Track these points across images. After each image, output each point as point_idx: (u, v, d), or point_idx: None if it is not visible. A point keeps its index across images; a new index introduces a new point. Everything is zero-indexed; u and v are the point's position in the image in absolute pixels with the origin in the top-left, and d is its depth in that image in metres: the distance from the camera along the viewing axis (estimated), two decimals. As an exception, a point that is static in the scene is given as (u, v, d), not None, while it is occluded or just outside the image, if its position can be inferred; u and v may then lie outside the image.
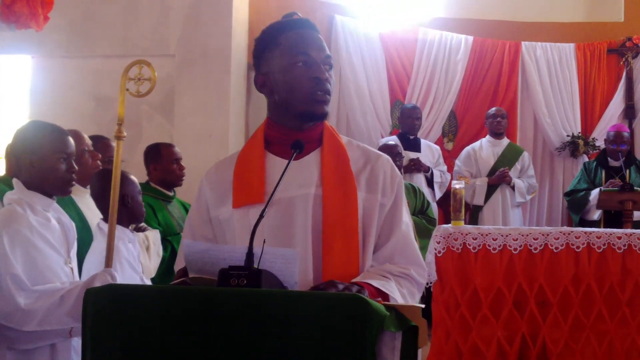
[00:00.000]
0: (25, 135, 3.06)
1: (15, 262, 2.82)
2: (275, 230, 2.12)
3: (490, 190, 7.41)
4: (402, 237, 2.23)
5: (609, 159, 7.10)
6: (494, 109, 7.71)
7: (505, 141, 7.63)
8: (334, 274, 2.07)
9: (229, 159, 2.31)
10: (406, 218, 2.26)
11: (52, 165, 3.01)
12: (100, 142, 4.67)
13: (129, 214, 3.70)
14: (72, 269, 3.08)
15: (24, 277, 2.83)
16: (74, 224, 3.20)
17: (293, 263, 1.89)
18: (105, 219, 3.60)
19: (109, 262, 3.19)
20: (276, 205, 2.12)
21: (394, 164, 2.31)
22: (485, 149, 7.59)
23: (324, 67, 2.20)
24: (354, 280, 2.09)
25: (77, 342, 3.04)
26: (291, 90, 2.18)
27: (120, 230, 3.36)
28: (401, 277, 2.19)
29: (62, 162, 3.02)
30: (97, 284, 2.86)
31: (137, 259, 3.71)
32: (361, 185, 2.21)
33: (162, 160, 5.04)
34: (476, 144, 7.67)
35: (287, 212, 2.15)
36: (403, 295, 2.16)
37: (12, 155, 3.14)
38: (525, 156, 7.64)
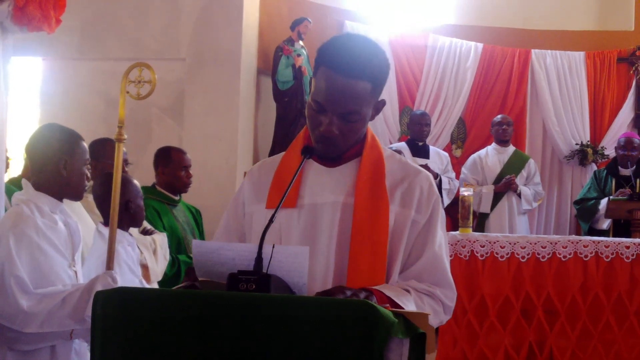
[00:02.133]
0: (58, 139, 3.06)
1: (19, 264, 2.84)
2: (302, 234, 2.13)
3: (497, 197, 7.39)
4: (434, 256, 2.16)
5: (619, 167, 7.08)
6: (499, 116, 7.68)
7: (511, 149, 7.60)
8: (358, 286, 2.03)
9: (272, 160, 2.32)
10: (441, 238, 2.19)
11: (80, 171, 3.06)
12: (109, 145, 4.67)
13: (129, 218, 3.71)
14: (76, 272, 3.08)
15: (27, 280, 2.84)
16: (80, 228, 3.20)
17: (302, 261, 1.89)
18: (106, 222, 3.60)
19: (110, 264, 3.19)
20: (305, 210, 2.13)
21: (433, 182, 2.24)
22: (491, 157, 7.57)
23: (338, 120, 2.09)
24: (368, 288, 2.04)
25: (77, 344, 3.06)
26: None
27: (119, 234, 3.37)
28: (424, 294, 2.12)
29: (87, 168, 3.08)
30: (99, 286, 2.87)
31: (136, 262, 3.71)
32: (395, 199, 2.16)
33: (171, 165, 5.01)
34: (482, 152, 7.65)
35: (314, 218, 2.14)
36: (422, 310, 2.07)
37: (32, 157, 3.11)
38: (531, 163, 7.61)
